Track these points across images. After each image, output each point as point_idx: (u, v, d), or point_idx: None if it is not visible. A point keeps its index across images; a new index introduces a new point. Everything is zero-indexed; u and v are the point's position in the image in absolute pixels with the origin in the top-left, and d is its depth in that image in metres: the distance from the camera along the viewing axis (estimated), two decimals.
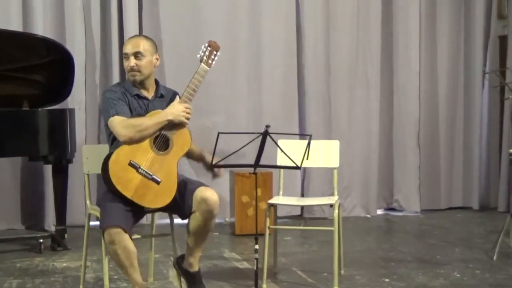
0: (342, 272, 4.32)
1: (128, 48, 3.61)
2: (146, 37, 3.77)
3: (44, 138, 4.86)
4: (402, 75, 6.66)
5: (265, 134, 3.58)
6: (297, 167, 3.59)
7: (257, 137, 3.59)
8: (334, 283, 3.95)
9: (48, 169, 5.36)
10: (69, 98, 5.39)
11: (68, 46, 5.41)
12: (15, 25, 5.58)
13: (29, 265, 4.62)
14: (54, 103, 5.19)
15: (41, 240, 5.01)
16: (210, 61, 3.66)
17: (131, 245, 3.36)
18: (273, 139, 3.60)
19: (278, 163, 4.15)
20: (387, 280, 4.21)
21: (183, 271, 3.67)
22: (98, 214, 3.55)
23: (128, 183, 3.40)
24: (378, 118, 6.63)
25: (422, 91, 6.71)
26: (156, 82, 3.73)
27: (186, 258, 3.68)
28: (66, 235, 5.12)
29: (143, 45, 3.62)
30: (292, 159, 3.57)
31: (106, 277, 3.65)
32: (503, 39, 6.81)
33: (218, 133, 3.54)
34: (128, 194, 3.39)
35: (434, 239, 5.52)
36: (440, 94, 6.85)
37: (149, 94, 3.67)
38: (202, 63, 3.64)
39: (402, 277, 4.28)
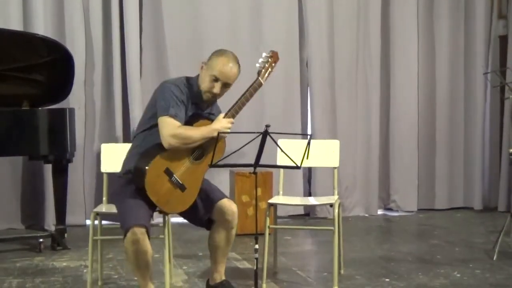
0: (342, 271, 4.32)
1: (222, 76, 3.48)
2: (239, 66, 3.59)
3: (44, 137, 4.86)
4: (401, 76, 6.67)
5: (265, 134, 3.58)
6: (297, 167, 3.59)
7: (257, 136, 3.59)
8: (334, 282, 3.94)
9: (48, 168, 5.36)
10: (69, 98, 5.38)
11: (68, 46, 5.41)
12: (15, 25, 5.58)
13: (29, 264, 4.62)
14: (54, 103, 5.19)
15: (41, 240, 5.01)
16: (266, 75, 3.61)
17: (150, 247, 3.34)
18: (273, 139, 3.59)
19: (278, 163, 4.16)
20: (387, 280, 4.21)
21: None
22: (114, 212, 3.54)
23: (158, 189, 3.39)
24: (377, 118, 6.64)
25: (421, 91, 6.72)
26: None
27: (211, 276, 3.73)
28: (66, 235, 5.11)
29: (234, 78, 3.54)
30: (292, 158, 3.57)
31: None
32: (503, 39, 6.80)
33: (218, 133, 3.54)
34: (154, 198, 3.38)
35: (434, 239, 5.52)
36: (439, 95, 6.85)
37: (205, 106, 3.62)
38: (259, 77, 3.58)
39: (402, 277, 4.28)
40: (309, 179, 6.51)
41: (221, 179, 5.97)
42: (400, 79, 6.67)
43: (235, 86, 3.59)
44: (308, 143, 3.60)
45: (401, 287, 4.06)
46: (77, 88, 5.59)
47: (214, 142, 3.46)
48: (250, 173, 3.73)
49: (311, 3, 6.36)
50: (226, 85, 3.51)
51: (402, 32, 6.63)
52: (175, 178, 3.42)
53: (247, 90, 3.54)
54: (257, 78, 3.57)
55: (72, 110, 5.15)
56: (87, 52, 5.83)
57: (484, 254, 4.87)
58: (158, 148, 3.43)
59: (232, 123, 3.53)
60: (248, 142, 3.59)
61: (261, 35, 6.30)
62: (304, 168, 6.23)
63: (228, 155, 3.68)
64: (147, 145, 3.48)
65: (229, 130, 3.50)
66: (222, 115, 3.53)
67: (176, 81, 3.57)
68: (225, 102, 3.63)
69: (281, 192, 4.40)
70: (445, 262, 4.65)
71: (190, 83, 3.57)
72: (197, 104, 3.56)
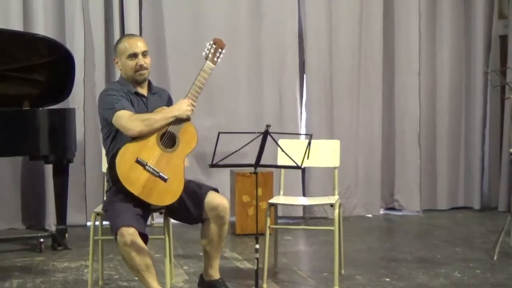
0: (343, 271, 4.32)
1: (137, 47, 3.62)
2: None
3: (44, 137, 4.85)
4: (403, 75, 6.66)
5: (266, 134, 3.58)
6: (297, 167, 3.59)
7: (258, 136, 3.60)
8: (335, 282, 3.94)
9: (48, 168, 5.36)
10: (69, 98, 5.38)
11: (68, 46, 5.41)
12: (15, 25, 5.58)
13: (29, 264, 4.63)
14: (54, 103, 5.19)
15: (42, 240, 5.01)
16: (215, 59, 3.69)
17: (145, 247, 3.33)
18: (273, 139, 3.60)
19: (279, 163, 4.16)
20: (387, 279, 4.21)
21: (207, 286, 3.73)
22: (106, 217, 3.56)
23: (135, 181, 3.39)
24: (379, 118, 6.63)
25: (423, 91, 6.71)
26: (149, 80, 3.76)
27: (205, 271, 3.74)
28: (66, 235, 5.12)
29: (146, 44, 3.68)
30: (293, 158, 3.58)
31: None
32: (503, 39, 6.81)
33: (219, 133, 3.55)
34: (135, 191, 3.38)
35: (434, 238, 5.53)
36: (441, 94, 6.85)
37: (144, 91, 3.70)
38: (207, 61, 3.67)
39: (402, 276, 4.28)
40: (312, 179, 6.48)
41: (221, 179, 5.98)
42: (401, 79, 6.67)
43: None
44: (309, 143, 3.61)
45: (402, 287, 4.07)
46: (76, 88, 5.58)
47: (183, 126, 3.53)
48: (250, 173, 3.75)
49: (310, 4, 6.35)
50: (144, 54, 3.62)
51: (404, 32, 6.62)
52: (150, 167, 3.42)
53: (198, 74, 3.63)
54: (206, 62, 3.66)
55: (72, 110, 5.15)
56: (87, 52, 5.82)
57: (484, 254, 4.87)
58: (124, 143, 3.48)
59: (193, 105, 3.59)
60: (249, 142, 3.60)
61: (261, 35, 6.29)
62: (306, 168, 6.23)
63: (229, 155, 3.68)
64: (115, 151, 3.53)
65: (190, 112, 3.56)
66: (182, 99, 3.61)
67: (108, 86, 3.85)
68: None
69: (281, 192, 4.40)
70: (446, 262, 4.65)
71: (119, 82, 3.71)
72: (137, 93, 3.65)
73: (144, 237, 3.34)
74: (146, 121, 3.48)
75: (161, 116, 3.52)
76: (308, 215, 6.36)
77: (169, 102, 3.75)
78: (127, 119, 3.47)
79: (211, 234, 3.60)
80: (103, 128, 3.66)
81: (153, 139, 3.50)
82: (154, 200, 3.46)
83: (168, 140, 3.52)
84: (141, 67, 3.61)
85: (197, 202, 3.57)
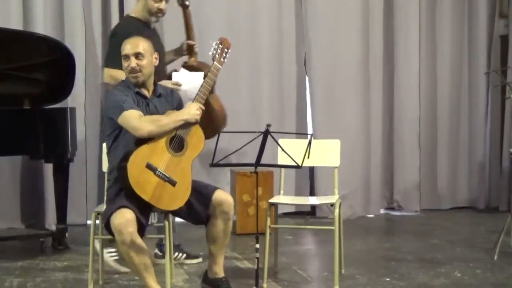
0: (343, 271, 4.32)
1: (128, 49, 3.59)
2: (144, 38, 3.75)
3: (45, 137, 4.85)
4: (402, 75, 6.65)
5: (266, 133, 3.58)
6: (298, 166, 3.59)
7: (258, 136, 3.60)
8: (335, 282, 3.94)
9: (48, 168, 5.36)
10: (69, 97, 5.38)
11: (68, 45, 5.41)
12: (15, 24, 5.57)
13: (30, 264, 4.62)
14: (55, 102, 5.18)
15: (42, 239, 5.01)
16: (222, 59, 3.70)
17: (144, 246, 3.33)
18: (274, 138, 3.60)
19: (279, 162, 4.15)
20: (387, 279, 4.21)
21: (211, 283, 3.74)
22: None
23: (145, 186, 3.39)
24: (379, 118, 6.63)
25: (423, 91, 6.71)
26: (154, 82, 3.73)
27: (210, 268, 3.75)
28: (67, 234, 5.11)
29: (142, 45, 3.61)
30: (293, 158, 3.58)
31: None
32: (504, 39, 6.80)
33: (219, 132, 3.54)
34: (146, 197, 3.39)
35: (435, 238, 5.52)
36: (442, 94, 6.84)
37: (148, 93, 3.68)
38: (214, 62, 3.67)
39: (403, 276, 4.28)
40: (315, 178, 6.48)
41: (222, 179, 5.97)
42: (402, 79, 6.66)
43: None
44: (309, 143, 3.61)
45: (402, 287, 4.06)
46: (77, 88, 5.58)
47: (191, 129, 3.53)
48: (251, 172, 3.74)
49: (311, 3, 6.33)
50: (138, 56, 3.57)
51: (404, 32, 6.61)
52: (160, 172, 3.42)
53: (206, 75, 3.64)
54: (213, 63, 3.67)
55: (73, 110, 5.15)
56: (87, 51, 5.82)
57: (484, 253, 4.87)
58: (133, 146, 3.47)
59: (201, 108, 3.59)
60: (249, 142, 3.60)
61: (260, 34, 6.28)
62: (305, 167, 6.22)
63: (229, 155, 3.68)
64: (122, 151, 3.52)
65: (199, 116, 3.56)
66: (191, 103, 3.61)
67: (114, 86, 3.79)
68: None
69: (282, 192, 4.40)
70: (446, 262, 4.65)
71: (124, 82, 3.71)
72: (139, 93, 3.63)
73: (142, 228, 3.34)
74: (156, 122, 3.48)
75: (171, 119, 3.51)
76: (313, 215, 6.35)
77: (179, 105, 3.73)
78: (137, 120, 3.45)
79: (217, 231, 3.62)
80: (107, 126, 3.64)
81: (162, 144, 3.49)
82: (164, 205, 3.47)
83: (177, 144, 3.52)
84: (132, 69, 3.58)
85: (203, 202, 3.59)
